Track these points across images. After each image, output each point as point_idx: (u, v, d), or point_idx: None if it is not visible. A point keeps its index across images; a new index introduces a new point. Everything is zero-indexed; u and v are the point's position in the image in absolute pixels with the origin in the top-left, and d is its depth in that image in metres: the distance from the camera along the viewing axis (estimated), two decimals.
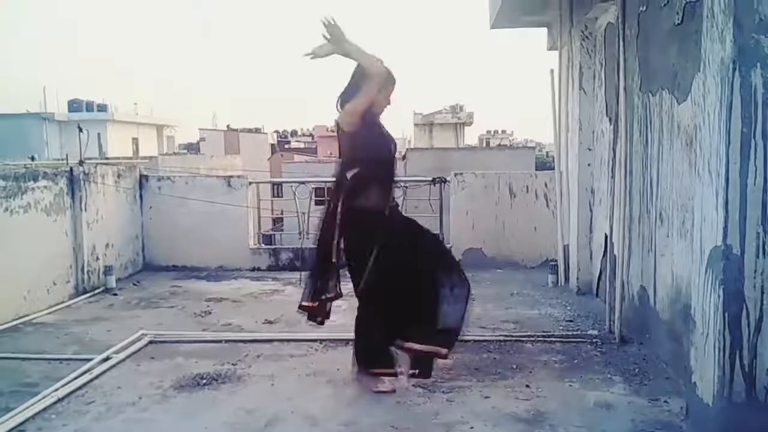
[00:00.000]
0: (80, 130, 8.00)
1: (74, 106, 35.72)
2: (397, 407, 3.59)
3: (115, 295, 6.51)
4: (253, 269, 7.79)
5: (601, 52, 5.84)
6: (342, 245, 3.70)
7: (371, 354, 3.81)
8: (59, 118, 33.10)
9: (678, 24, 3.89)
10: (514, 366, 4.23)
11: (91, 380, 4.01)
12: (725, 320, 2.91)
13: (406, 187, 8.48)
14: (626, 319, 4.77)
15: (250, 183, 8.17)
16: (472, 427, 3.34)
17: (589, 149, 6.15)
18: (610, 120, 5.36)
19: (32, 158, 17.35)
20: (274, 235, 18.03)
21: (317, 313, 3.89)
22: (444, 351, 3.68)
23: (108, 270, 6.78)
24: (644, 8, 4.52)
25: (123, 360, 4.40)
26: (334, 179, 3.85)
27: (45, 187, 6.00)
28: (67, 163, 7.14)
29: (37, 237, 5.87)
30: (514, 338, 4.81)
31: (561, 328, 5.15)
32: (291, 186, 8.47)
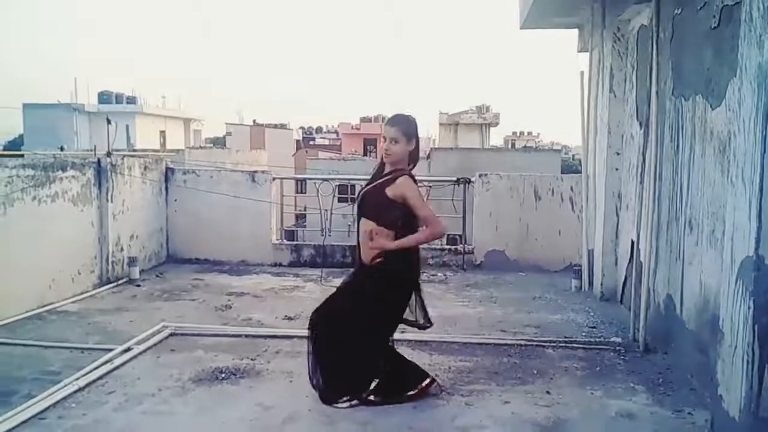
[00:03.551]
0: (108, 121, 8.07)
1: (104, 97, 36.22)
2: (415, 409, 3.56)
3: (138, 286, 6.57)
4: (275, 265, 7.81)
5: (633, 54, 5.74)
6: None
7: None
8: (89, 109, 33.56)
9: (714, 28, 3.80)
10: (535, 371, 4.17)
11: (112, 370, 4.05)
12: (755, 333, 2.82)
13: (430, 186, 8.46)
14: (651, 327, 4.68)
15: (274, 179, 8.19)
16: None
17: (618, 153, 6.05)
18: (640, 124, 5.26)
19: (61, 148, 17.62)
20: (297, 231, 18.09)
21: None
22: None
23: (132, 261, 6.84)
24: (679, 11, 4.43)
25: (144, 351, 4.43)
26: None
27: (73, 177, 6.08)
28: (95, 154, 7.21)
29: (64, 226, 5.95)
30: (535, 343, 4.75)
31: (583, 334, 5.07)
32: (315, 182, 8.50)
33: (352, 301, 3.65)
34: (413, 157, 3.66)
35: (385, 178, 3.59)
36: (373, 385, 3.62)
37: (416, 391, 3.68)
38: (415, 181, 3.61)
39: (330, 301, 3.73)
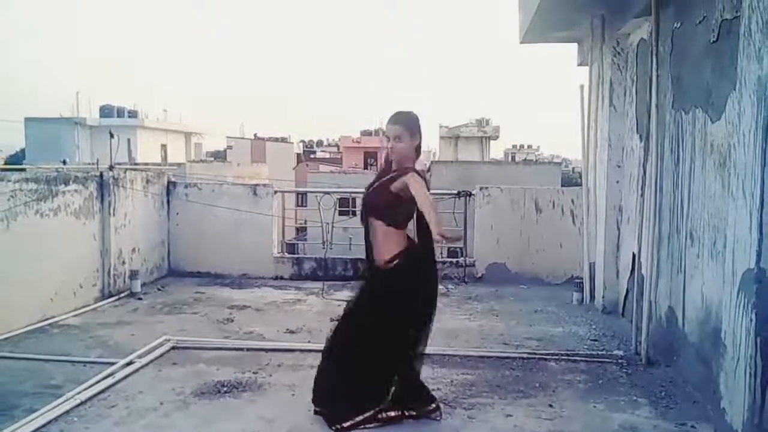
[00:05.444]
0: (111, 135, 8.12)
1: (106, 111, 36.35)
2: (417, 422, 3.55)
3: (140, 299, 6.57)
4: (276, 278, 7.81)
5: (632, 68, 5.77)
6: None
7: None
8: (91, 123, 33.68)
9: (713, 42, 3.83)
10: (537, 384, 4.16)
11: (114, 384, 4.04)
12: (757, 345, 2.83)
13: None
14: (653, 340, 4.68)
15: (276, 192, 8.21)
16: None
17: (618, 166, 6.07)
18: (640, 137, 5.29)
19: (64, 162, 17.67)
20: (297, 244, 18.12)
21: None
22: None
23: (133, 274, 6.84)
24: (678, 25, 4.47)
25: (146, 365, 4.42)
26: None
27: (75, 191, 6.10)
28: (98, 168, 7.24)
29: (66, 240, 5.96)
30: (537, 356, 4.74)
31: (585, 347, 5.06)
32: (316, 196, 8.52)
33: (372, 307, 3.54)
34: (417, 153, 3.58)
35: (391, 176, 3.50)
36: (390, 395, 3.52)
37: (417, 412, 3.59)
38: (423, 178, 3.47)
39: (351, 311, 3.63)
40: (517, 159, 49.91)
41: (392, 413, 3.52)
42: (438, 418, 3.61)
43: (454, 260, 8.05)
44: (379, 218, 3.50)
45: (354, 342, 3.53)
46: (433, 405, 3.65)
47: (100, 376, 4.13)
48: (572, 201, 7.56)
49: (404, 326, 3.50)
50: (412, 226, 3.58)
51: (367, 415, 3.48)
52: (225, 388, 4.01)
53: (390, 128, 3.52)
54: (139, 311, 6.11)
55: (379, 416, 3.50)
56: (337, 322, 3.66)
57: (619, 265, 6.08)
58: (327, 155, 52.92)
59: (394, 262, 3.45)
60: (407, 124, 3.53)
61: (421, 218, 3.47)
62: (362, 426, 3.47)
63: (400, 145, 3.49)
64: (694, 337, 4.10)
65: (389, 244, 3.48)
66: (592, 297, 6.51)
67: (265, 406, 3.78)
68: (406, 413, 3.57)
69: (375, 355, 3.47)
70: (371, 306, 3.56)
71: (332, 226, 7.92)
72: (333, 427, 3.46)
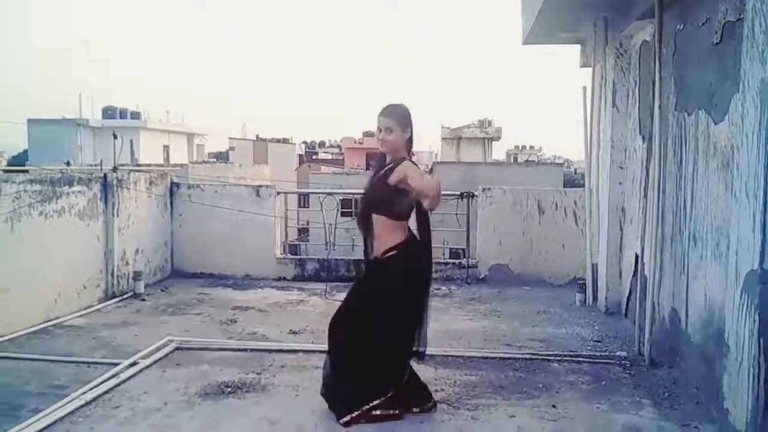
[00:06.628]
0: (115, 137, 8.15)
1: (108, 113, 36.43)
2: (421, 423, 3.56)
3: (143, 300, 6.59)
4: (279, 279, 7.82)
5: (635, 69, 5.78)
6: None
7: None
8: (94, 124, 33.76)
9: (716, 43, 3.84)
10: (540, 385, 4.17)
11: (118, 384, 4.05)
12: (760, 346, 2.84)
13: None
14: (656, 341, 4.68)
15: (278, 193, 8.22)
16: None
17: (621, 167, 6.08)
18: (643, 138, 5.29)
19: (67, 163, 17.71)
20: (300, 245, 18.12)
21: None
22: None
23: (137, 275, 6.86)
24: (681, 27, 4.47)
25: (149, 365, 4.44)
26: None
27: (79, 192, 6.11)
28: (101, 169, 7.26)
29: (70, 241, 5.98)
30: (540, 357, 4.75)
31: (589, 348, 5.07)
32: (318, 197, 8.53)
33: (369, 299, 3.60)
34: (409, 146, 3.65)
35: (387, 168, 3.58)
36: (404, 378, 3.59)
37: (419, 409, 3.66)
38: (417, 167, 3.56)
39: (348, 305, 3.70)
40: (519, 160, 49.93)
41: (384, 412, 3.55)
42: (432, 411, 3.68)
43: (457, 261, 8.05)
44: (380, 212, 3.57)
45: (352, 340, 3.56)
46: (430, 403, 3.71)
47: (104, 376, 4.15)
48: (575, 202, 7.56)
49: (399, 320, 3.54)
50: (413, 219, 3.66)
51: (360, 411, 3.52)
52: (229, 389, 4.02)
53: (381, 120, 3.59)
54: (143, 312, 6.13)
55: (373, 413, 3.53)
56: (332, 323, 3.70)
57: (622, 267, 6.09)
58: (329, 156, 53.01)
59: (392, 253, 3.51)
60: (398, 117, 3.60)
61: (420, 212, 3.58)
62: (360, 422, 3.51)
63: (391, 137, 3.57)
64: (697, 338, 4.11)
65: (389, 236, 3.55)
66: (595, 298, 6.52)
67: (269, 406, 3.79)
68: (398, 412, 3.60)
69: (374, 353, 3.51)
70: (369, 300, 3.60)
71: (335, 227, 7.93)
72: (340, 421, 3.52)
